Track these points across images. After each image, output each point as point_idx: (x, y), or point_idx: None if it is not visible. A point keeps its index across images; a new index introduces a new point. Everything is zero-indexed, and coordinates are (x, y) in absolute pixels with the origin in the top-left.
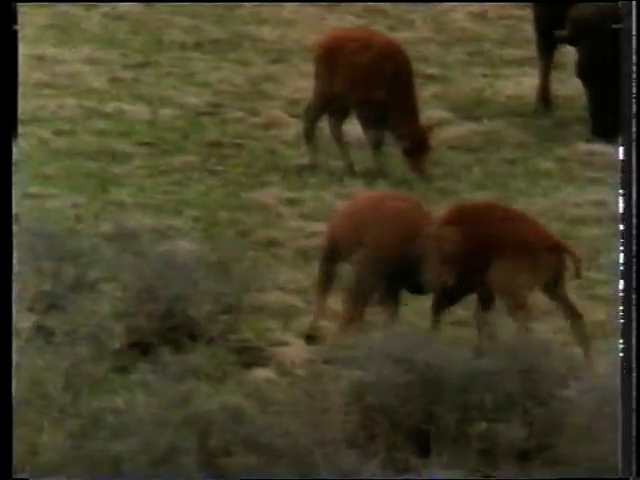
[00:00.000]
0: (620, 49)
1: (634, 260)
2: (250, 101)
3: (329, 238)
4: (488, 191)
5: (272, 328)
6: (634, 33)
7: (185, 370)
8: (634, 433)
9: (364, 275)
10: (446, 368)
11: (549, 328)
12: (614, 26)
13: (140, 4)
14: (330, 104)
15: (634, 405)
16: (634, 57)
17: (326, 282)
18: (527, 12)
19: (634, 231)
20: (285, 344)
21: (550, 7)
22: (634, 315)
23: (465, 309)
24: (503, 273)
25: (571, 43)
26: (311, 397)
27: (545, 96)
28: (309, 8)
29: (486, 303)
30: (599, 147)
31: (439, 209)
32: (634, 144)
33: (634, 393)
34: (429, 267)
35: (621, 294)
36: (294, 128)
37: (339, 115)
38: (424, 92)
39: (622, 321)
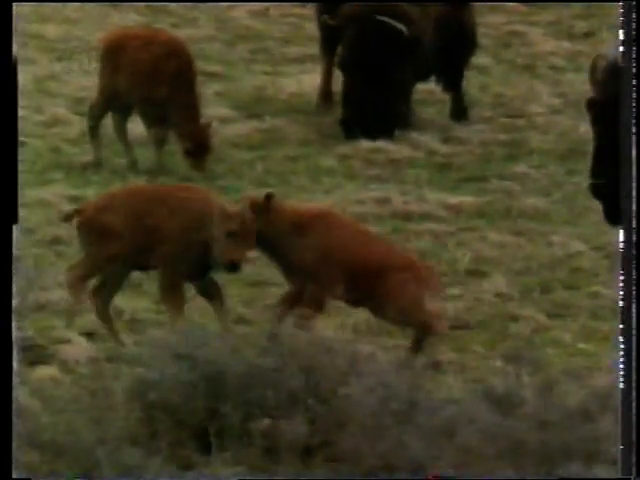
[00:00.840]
0: (383, 41)
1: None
2: (34, 99)
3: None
4: (270, 188)
5: (55, 326)
6: (634, 33)
7: None
8: (634, 433)
9: (173, 269)
10: (228, 365)
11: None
12: (378, 17)
13: None
14: (114, 101)
15: (634, 405)
16: (634, 58)
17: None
18: (309, 10)
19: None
20: (68, 342)
21: (333, 4)
22: (634, 315)
23: (247, 307)
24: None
25: (338, 34)
26: (94, 395)
27: (327, 93)
28: (92, 7)
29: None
30: (381, 144)
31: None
32: (634, 143)
33: (634, 393)
34: (218, 245)
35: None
36: (78, 126)
37: (123, 112)
38: (207, 90)
39: (622, 323)
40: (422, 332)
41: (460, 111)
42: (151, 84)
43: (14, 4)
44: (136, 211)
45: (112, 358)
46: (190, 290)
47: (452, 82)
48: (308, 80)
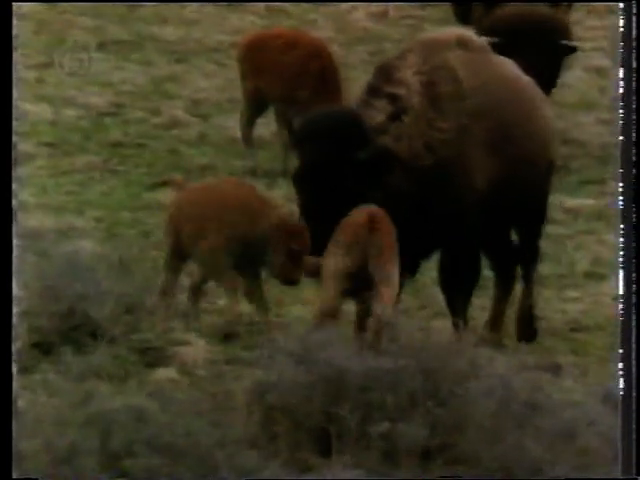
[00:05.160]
0: (558, 62)
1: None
2: (152, 101)
3: (173, 234)
4: None
5: (173, 328)
6: (634, 33)
7: (87, 370)
8: (634, 433)
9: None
10: (347, 368)
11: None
12: (564, 43)
13: (43, 4)
14: (260, 103)
15: (634, 405)
16: (634, 59)
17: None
18: (427, 12)
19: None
20: (187, 344)
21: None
22: (634, 315)
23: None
24: None
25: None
26: (213, 397)
27: None
28: (210, 8)
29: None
30: None
31: None
32: (633, 143)
33: (634, 393)
34: (274, 259)
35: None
36: (195, 128)
37: (252, 114)
38: None
39: (622, 320)
40: None
41: None
42: (295, 85)
43: (14, 4)
44: (185, 202)
45: (231, 360)
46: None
47: None
48: None
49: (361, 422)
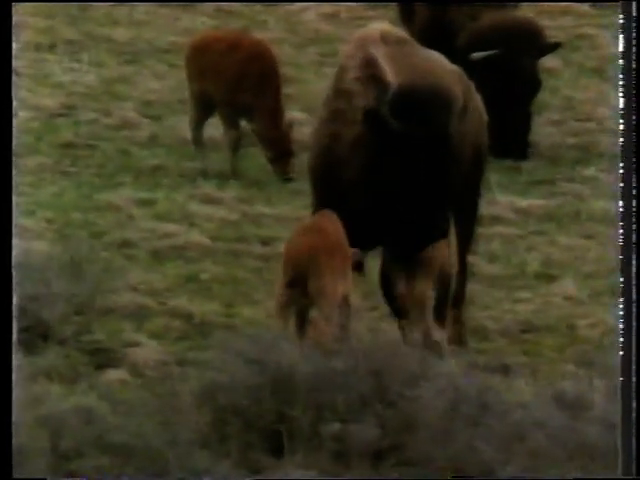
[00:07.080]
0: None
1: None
2: (103, 102)
3: None
4: None
5: (124, 329)
6: (634, 33)
7: (37, 371)
8: (634, 433)
9: None
10: (298, 369)
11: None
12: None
13: None
14: (206, 105)
15: (634, 405)
16: (634, 58)
17: None
18: (379, 13)
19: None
20: (137, 345)
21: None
22: (634, 314)
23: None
24: None
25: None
26: (163, 398)
27: None
28: (162, 9)
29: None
30: None
31: (292, 210)
32: (633, 142)
33: (634, 392)
34: None
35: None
36: (146, 129)
37: (200, 116)
38: None
39: (622, 320)
40: None
41: None
42: (236, 88)
43: (14, 4)
44: None
45: (182, 361)
46: None
47: None
48: None
49: (312, 423)
